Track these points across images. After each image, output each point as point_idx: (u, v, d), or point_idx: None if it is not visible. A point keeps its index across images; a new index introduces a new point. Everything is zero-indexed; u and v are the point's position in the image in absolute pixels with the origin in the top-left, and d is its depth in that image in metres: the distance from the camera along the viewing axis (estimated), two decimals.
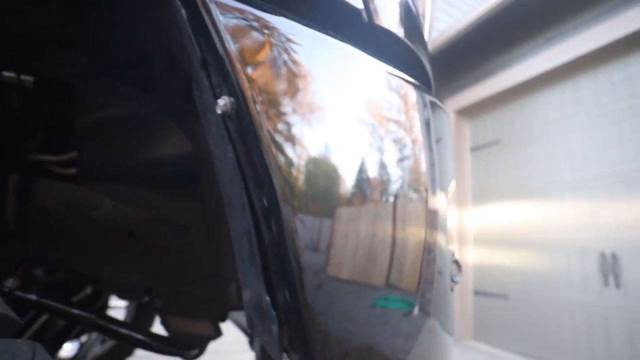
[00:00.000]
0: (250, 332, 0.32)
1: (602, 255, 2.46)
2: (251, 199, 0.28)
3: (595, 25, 2.59)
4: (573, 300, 2.60)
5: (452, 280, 0.45)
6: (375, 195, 0.36)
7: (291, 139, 0.27)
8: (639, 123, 2.39)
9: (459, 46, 3.42)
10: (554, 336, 2.68)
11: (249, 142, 0.26)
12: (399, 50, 0.42)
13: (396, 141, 0.39)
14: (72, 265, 0.76)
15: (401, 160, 0.39)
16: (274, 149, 0.26)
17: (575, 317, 2.58)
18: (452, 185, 0.49)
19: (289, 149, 0.27)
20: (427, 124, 0.44)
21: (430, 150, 0.43)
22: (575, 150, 2.73)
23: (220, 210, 0.68)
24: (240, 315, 0.97)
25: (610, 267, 2.41)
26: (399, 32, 0.41)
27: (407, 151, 0.40)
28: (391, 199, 0.37)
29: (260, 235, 0.28)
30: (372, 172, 0.36)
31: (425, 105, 0.47)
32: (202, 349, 0.78)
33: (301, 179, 0.28)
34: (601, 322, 2.43)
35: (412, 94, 0.44)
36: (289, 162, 0.27)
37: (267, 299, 0.28)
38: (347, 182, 0.33)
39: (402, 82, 0.43)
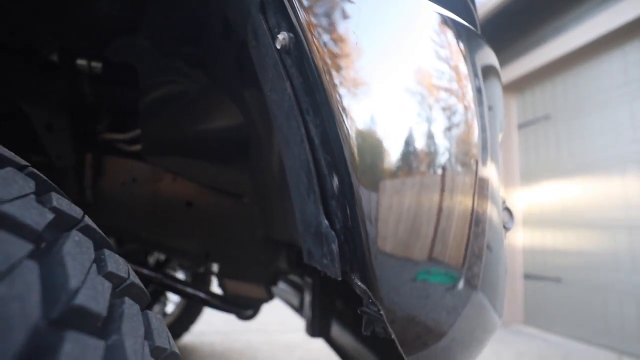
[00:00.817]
0: (309, 262, 0.35)
1: None
2: (309, 131, 0.30)
3: None
4: (634, 281, 2.41)
5: (504, 227, 0.45)
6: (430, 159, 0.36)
7: (349, 69, 0.29)
8: None
9: (505, 15, 3.21)
10: (614, 320, 2.51)
11: (308, 73, 0.29)
12: None
13: (458, 98, 0.39)
14: (138, 233, 0.84)
15: (457, 123, 0.38)
16: (332, 79, 0.28)
17: (639, 300, 2.39)
18: (502, 124, 0.48)
19: (347, 80, 0.29)
20: (480, 76, 0.42)
21: (482, 114, 0.41)
22: (638, 119, 2.49)
23: (270, 179, 0.73)
24: (287, 291, 1.02)
25: None
26: None
27: (464, 110, 0.39)
28: (429, 170, 0.36)
29: (318, 166, 0.31)
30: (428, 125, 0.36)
31: (478, 50, 0.45)
32: (256, 310, 0.84)
33: (361, 109, 0.30)
34: None
35: (467, 40, 0.42)
36: (348, 91, 0.29)
37: (326, 222, 0.30)
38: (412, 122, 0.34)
39: (457, 25, 0.41)
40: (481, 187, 0.39)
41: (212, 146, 0.76)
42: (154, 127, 0.75)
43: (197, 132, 0.75)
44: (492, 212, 0.40)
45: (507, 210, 0.46)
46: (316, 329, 0.77)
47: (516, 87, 3.50)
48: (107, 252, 0.28)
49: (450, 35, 0.39)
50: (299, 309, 0.90)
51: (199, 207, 0.82)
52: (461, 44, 0.41)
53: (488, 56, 0.47)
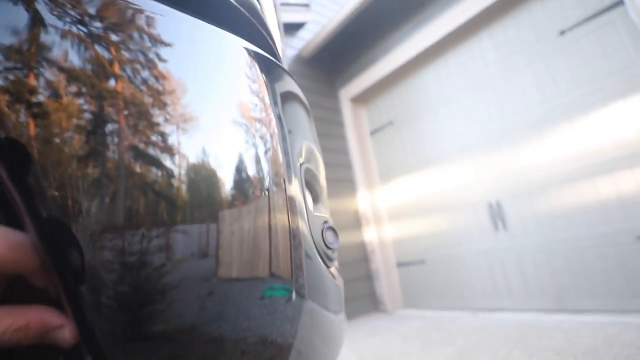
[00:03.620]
0: None
1: (490, 206, 2.84)
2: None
3: (454, 6, 2.96)
4: (475, 250, 2.95)
5: (330, 248, 0.44)
6: (243, 192, 0.34)
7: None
8: (497, 89, 2.80)
9: (342, 37, 3.59)
10: (465, 285, 3.01)
11: None
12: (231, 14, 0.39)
13: (258, 131, 0.38)
14: None
15: (264, 151, 0.38)
16: None
17: (479, 263, 2.93)
18: (314, 158, 0.48)
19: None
20: (282, 106, 0.43)
21: (284, 137, 0.42)
22: (455, 119, 3.09)
23: None
24: None
25: (497, 214, 2.79)
26: None
27: (268, 142, 0.39)
28: (258, 193, 0.36)
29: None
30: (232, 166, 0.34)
31: (280, 81, 0.46)
32: None
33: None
34: (499, 262, 2.80)
35: (271, 72, 0.43)
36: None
37: None
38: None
39: (258, 57, 0.41)
40: (291, 205, 0.38)
41: None
42: None
43: None
44: (304, 227, 0.40)
45: (332, 230, 0.44)
46: None
47: (364, 99, 3.94)
48: None
49: (254, 68, 0.39)
50: None
51: None
52: (265, 77, 0.41)
53: (289, 85, 0.48)
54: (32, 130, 0.25)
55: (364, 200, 3.76)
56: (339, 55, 3.87)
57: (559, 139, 2.45)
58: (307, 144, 0.48)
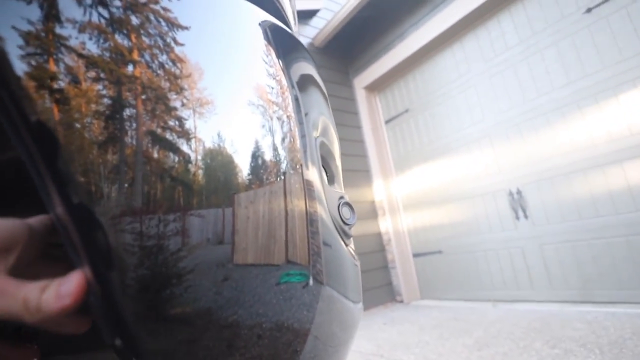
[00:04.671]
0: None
1: (510, 194, 2.74)
2: None
3: None
4: (495, 239, 2.87)
5: (346, 223, 0.41)
6: (259, 177, 0.34)
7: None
8: (518, 72, 2.68)
9: (355, 24, 3.51)
10: (484, 275, 2.94)
11: None
12: None
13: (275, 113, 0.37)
14: None
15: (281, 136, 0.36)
16: None
17: (499, 253, 2.85)
18: (331, 138, 0.46)
19: None
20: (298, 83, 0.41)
21: (301, 120, 0.40)
22: (473, 105, 2.99)
23: None
24: None
25: (517, 203, 2.70)
26: None
27: (285, 124, 0.38)
28: (276, 178, 0.35)
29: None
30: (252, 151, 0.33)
31: (298, 57, 0.44)
32: None
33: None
34: (519, 252, 2.72)
35: (289, 48, 0.41)
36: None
37: None
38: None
39: (281, 32, 0.40)
40: (309, 190, 0.36)
41: None
42: None
43: None
44: (322, 212, 0.37)
45: (348, 205, 0.42)
46: None
47: (378, 87, 3.86)
48: None
49: (273, 43, 0.38)
50: None
51: None
52: (283, 55, 0.39)
53: (306, 62, 0.46)
54: (58, 115, 0.25)
55: (379, 190, 3.71)
56: (353, 43, 3.79)
57: (585, 123, 2.33)
58: (323, 119, 0.45)
